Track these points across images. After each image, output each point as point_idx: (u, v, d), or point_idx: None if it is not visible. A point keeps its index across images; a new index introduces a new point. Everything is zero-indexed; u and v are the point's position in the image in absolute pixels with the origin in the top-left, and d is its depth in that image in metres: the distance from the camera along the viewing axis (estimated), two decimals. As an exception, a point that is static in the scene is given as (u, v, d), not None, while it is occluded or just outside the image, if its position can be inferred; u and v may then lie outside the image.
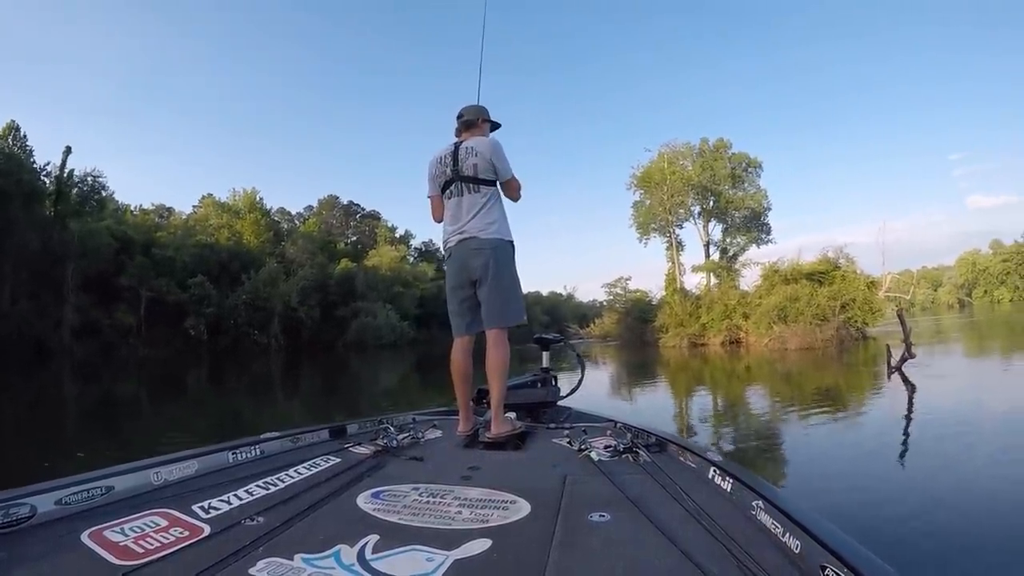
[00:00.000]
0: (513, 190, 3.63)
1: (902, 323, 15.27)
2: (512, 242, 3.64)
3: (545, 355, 4.34)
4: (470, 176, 3.51)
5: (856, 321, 27.46)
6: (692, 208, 40.74)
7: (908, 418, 8.64)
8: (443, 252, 3.72)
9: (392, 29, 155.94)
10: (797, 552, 1.50)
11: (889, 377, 13.18)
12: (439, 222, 3.75)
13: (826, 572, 1.33)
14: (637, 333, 37.03)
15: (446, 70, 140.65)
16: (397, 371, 25.54)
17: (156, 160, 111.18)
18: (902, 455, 6.51)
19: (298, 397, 16.71)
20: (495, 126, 3.89)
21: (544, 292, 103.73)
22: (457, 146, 3.60)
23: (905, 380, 12.34)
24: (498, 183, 3.59)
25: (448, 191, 3.60)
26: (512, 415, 3.52)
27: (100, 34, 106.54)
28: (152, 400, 16.27)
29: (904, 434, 7.63)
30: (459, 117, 3.76)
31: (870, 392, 12.19)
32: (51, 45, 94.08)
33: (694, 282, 38.76)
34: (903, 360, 13.82)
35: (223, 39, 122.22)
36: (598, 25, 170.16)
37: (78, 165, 45.41)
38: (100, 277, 42.09)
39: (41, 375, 24.52)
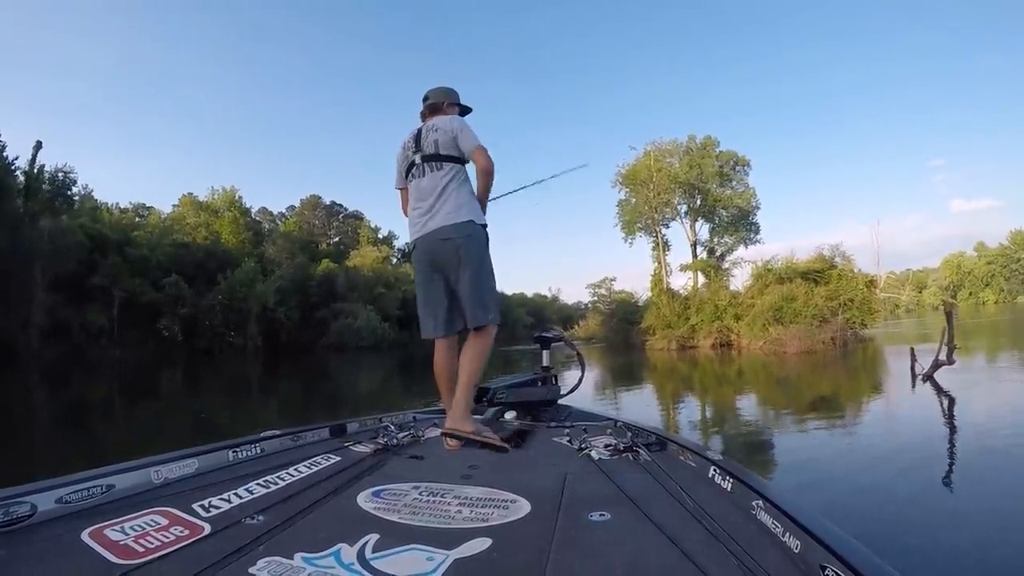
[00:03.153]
0: (481, 157, 3.17)
1: (949, 323, 12.77)
2: (485, 225, 3.24)
3: (545, 354, 4.25)
4: (432, 153, 3.21)
5: (854, 322, 26.51)
6: (679, 207, 39.91)
7: (952, 445, 6.99)
8: (408, 244, 3.45)
9: (378, 33, 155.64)
10: (797, 552, 1.49)
11: (914, 386, 11.61)
12: (408, 215, 3.42)
13: (826, 572, 1.32)
14: (623, 335, 36.30)
15: (432, 73, 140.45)
16: (377, 374, 24.93)
17: (142, 161, 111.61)
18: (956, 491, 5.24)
19: (271, 405, 15.77)
20: (465, 111, 3.53)
21: (529, 294, 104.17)
22: (420, 128, 3.34)
23: (939, 390, 10.70)
24: (465, 158, 3.24)
25: (410, 174, 3.31)
26: (513, 414, 3.55)
27: (84, 36, 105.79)
28: (116, 410, 15.31)
29: (953, 465, 6.09)
30: (424, 100, 3.46)
31: (901, 405, 10.34)
32: (30, 45, 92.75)
33: (681, 283, 37.73)
34: (936, 366, 12.05)
35: (209, 42, 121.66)
36: (582, 27, 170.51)
37: (61, 163, 44.75)
38: (71, 276, 40.80)
39: (5, 378, 23.66)
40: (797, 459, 6.60)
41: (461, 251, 3.08)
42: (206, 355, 43.81)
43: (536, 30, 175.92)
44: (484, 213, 3.27)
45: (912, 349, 13.19)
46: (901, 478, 5.55)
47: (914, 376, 12.35)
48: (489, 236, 3.23)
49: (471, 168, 3.25)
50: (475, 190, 3.25)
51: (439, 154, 3.18)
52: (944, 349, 12.26)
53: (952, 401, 9.78)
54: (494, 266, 3.24)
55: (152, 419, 12.52)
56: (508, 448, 2.68)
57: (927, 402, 10.07)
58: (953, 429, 7.91)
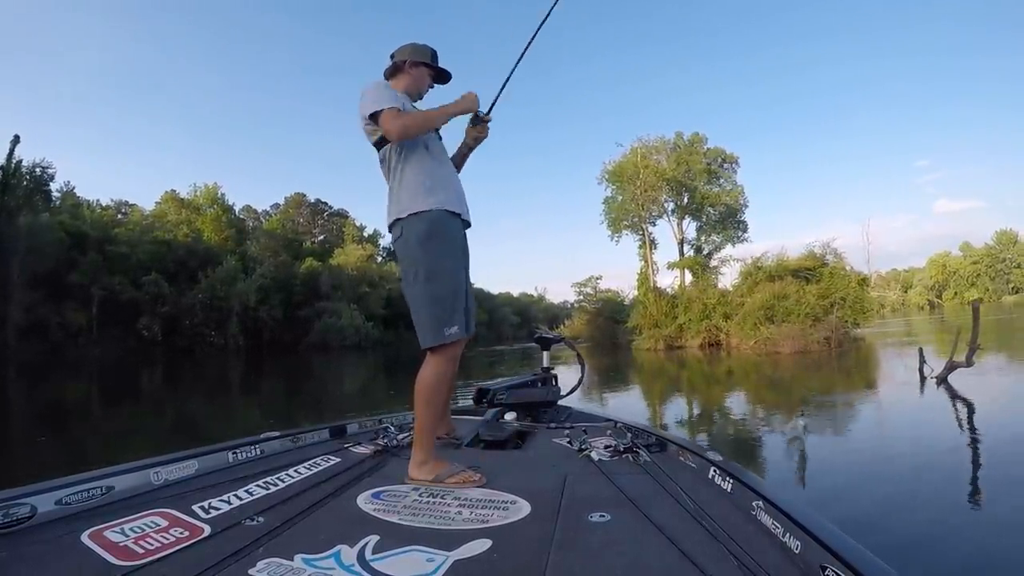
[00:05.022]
0: (385, 122, 2.51)
1: (975, 320, 11.37)
2: (427, 212, 2.54)
3: (545, 355, 4.23)
4: (372, 142, 2.67)
5: (847, 321, 25.77)
6: (666, 204, 39.51)
7: (977, 457, 5.98)
8: None
9: (366, 29, 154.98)
10: (797, 552, 1.49)
11: (923, 389, 10.41)
12: None
13: (826, 572, 1.32)
14: (608, 334, 35.91)
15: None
16: (359, 376, 24.18)
17: (128, 158, 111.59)
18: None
19: (252, 408, 15.04)
20: (442, 77, 2.93)
21: (515, 293, 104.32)
22: None
23: (954, 395, 9.58)
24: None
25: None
26: (513, 415, 3.55)
27: (69, 34, 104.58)
28: (92, 411, 14.78)
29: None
30: (391, 58, 2.88)
31: (917, 410, 9.06)
32: (13, 42, 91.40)
33: (668, 282, 37.11)
34: (951, 368, 10.83)
35: (195, 41, 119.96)
36: (573, 26, 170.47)
37: (40, 158, 44.00)
38: (50, 274, 40.15)
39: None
40: (807, 468, 5.90)
41: (400, 256, 2.62)
42: (186, 355, 43.21)
43: (523, 27, 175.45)
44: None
45: (921, 349, 12.01)
46: (924, 494, 4.85)
47: (923, 378, 11.24)
48: (440, 221, 2.57)
49: (409, 143, 2.62)
50: (428, 155, 2.64)
51: (371, 141, 2.67)
52: (965, 349, 11.02)
53: (972, 407, 8.78)
54: (445, 264, 2.59)
55: (129, 421, 12.12)
56: (480, 480, 2.40)
57: (944, 407, 9.04)
58: (977, 440, 6.75)
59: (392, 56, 2.85)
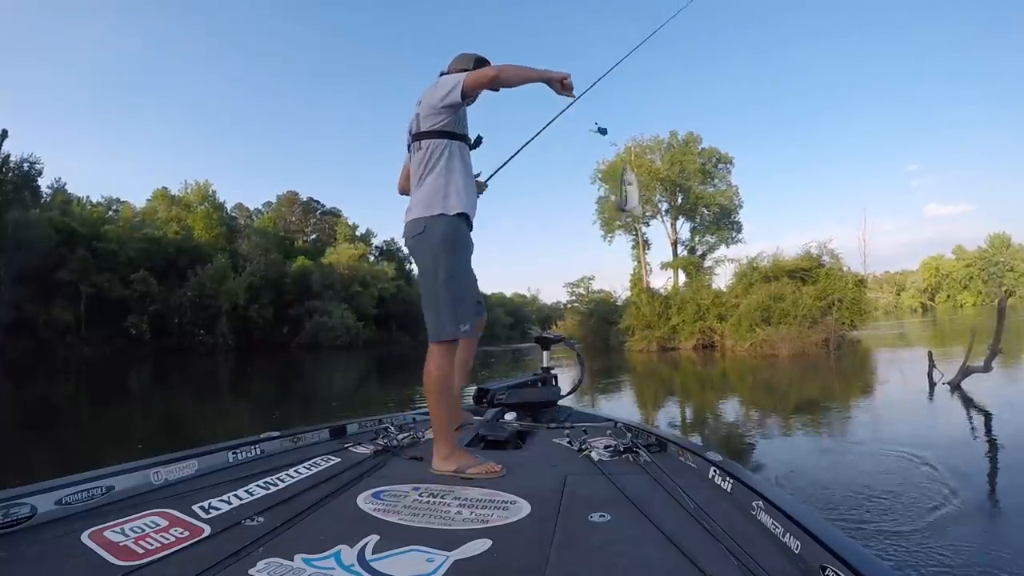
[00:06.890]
0: (469, 77, 2.61)
1: (1000, 320, 10.44)
2: (461, 215, 2.71)
3: (545, 354, 4.25)
4: (414, 132, 2.76)
5: (844, 323, 25.28)
6: (659, 204, 39.41)
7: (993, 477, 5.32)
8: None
9: (359, 31, 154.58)
10: (797, 552, 1.49)
11: (932, 396, 9.73)
12: (400, 193, 3.09)
13: (826, 572, 1.32)
14: (601, 336, 35.62)
15: (412, 71, 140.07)
16: (350, 377, 23.69)
17: (123, 156, 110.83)
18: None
19: (239, 409, 14.84)
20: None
21: (508, 294, 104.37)
22: None
23: (968, 402, 8.99)
24: (450, 126, 2.72)
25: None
26: (513, 415, 3.53)
27: (62, 30, 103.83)
28: (80, 412, 14.58)
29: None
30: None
31: (932, 421, 8.36)
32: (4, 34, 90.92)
33: (661, 283, 36.82)
34: (966, 373, 10.01)
35: (190, 40, 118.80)
36: (568, 26, 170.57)
37: (28, 153, 43.58)
38: (38, 271, 39.77)
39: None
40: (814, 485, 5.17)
41: (418, 253, 2.73)
42: (175, 354, 42.85)
43: (514, 28, 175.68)
44: (533, 77, 2.69)
45: (930, 352, 11.13)
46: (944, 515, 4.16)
47: (932, 384, 10.44)
48: (462, 225, 2.72)
49: (456, 146, 2.74)
50: (465, 165, 2.78)
51: (420, 131, 2.72)
52: (985, 352, 10.16)
53: (991, 416, 8.08)
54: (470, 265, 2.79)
55: (117, 422, 11.91)
56: (498, 473, 2.47)
57: (961, 416, 8.39)
58: (995, 457, 6.02)
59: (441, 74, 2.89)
